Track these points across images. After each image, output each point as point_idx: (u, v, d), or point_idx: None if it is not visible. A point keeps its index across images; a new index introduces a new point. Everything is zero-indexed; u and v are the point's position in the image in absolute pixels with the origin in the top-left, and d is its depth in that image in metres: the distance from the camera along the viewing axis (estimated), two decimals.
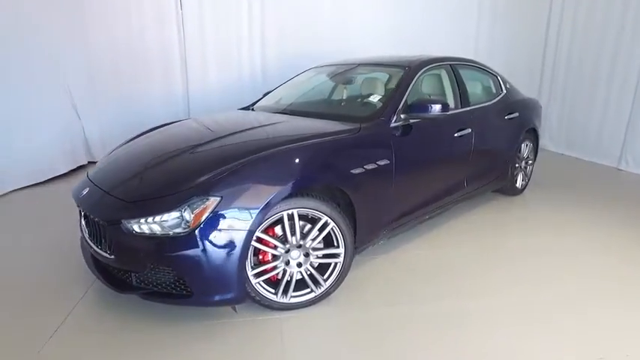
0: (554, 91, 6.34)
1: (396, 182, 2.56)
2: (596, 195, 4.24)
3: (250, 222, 1.92)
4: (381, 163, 2.46)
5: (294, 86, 3.69)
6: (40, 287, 2.46)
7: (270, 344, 1.98)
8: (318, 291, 2.24)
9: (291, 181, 2.04)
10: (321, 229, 2.18)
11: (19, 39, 4.34)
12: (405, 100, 2.75)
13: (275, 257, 2.13)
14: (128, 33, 5.37)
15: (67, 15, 4.94)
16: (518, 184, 4.14)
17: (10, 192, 4.21)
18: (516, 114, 3.86)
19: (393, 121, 2.63)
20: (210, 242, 1.86)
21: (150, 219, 1.86)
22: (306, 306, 2.25)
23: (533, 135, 4.25)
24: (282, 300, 2.17)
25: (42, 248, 2.95)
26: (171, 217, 1.85)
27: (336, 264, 2.27)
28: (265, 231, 2.07)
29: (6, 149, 4.26)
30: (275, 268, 2.13)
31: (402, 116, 2.67)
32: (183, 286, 1.93)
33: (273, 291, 2.16)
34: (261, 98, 3.74)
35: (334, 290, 2.33)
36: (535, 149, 4.33)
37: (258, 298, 2.12)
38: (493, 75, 3.95)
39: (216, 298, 1.95)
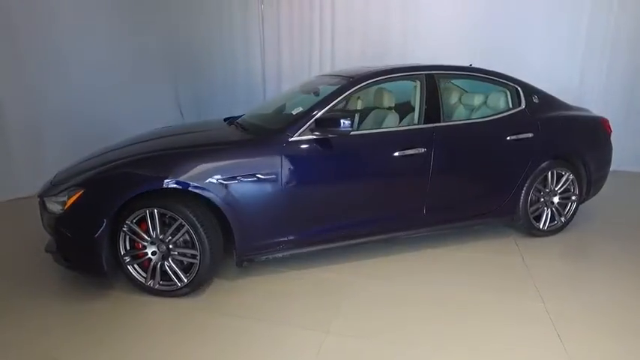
0: None
1: (287, 197, 2.53)
2: None
3: (109, 211, 2.31)
4: (265, 176, 2.48)
5: (276, 98, 3.84)
6: None
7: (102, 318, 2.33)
8: (180, 284, 2.46)
9: (147, 182, 2.34)
10: (177, 230, 2.40)
11: (134, 41, 5.67)
12: (318, 115, 2.63)
13: (144, 246, 2.46)
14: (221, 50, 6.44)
15: (178, 18, 6.20)
16: (542, 223, 3.27)
17: None
18: (529, 134, 3.08)
19: (297, 134, 2.58)
20: (75, 223, 2.35)
21: (51, 198, 2.44)
22: (175, 296, 2.50)
23: (574, 163, 3.30)
24: (150, 284, 2.48)
25: None
26: (58, 200, 2.40)
27: (194, 264, 2.44)
28: (139, 223, 2.43)
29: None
30: (145, 255, 2.47)
31: (312, 131, 2.59)
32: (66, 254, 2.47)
33: (145, 275, 2.50)
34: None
35: (198, 287, 2.51)
36: (580, 181, 3.32)
37: (131, 278, 2.49)
38: (511, 86, 3.23)
39: (84, 268, 2.43)
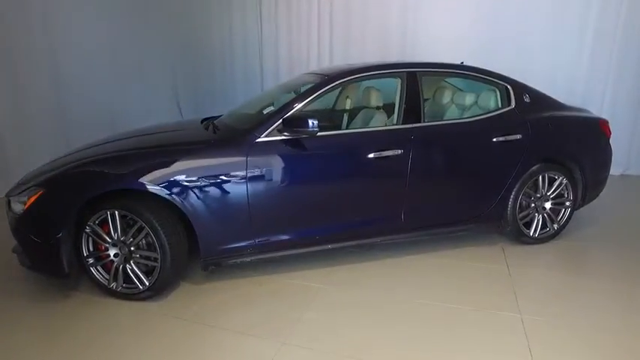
0: None
1: (253, 200, 2.44)
2: None
3: (69, 213, 2.27)
4: (229, 178, 2.40)
5: (256, 97, 3.73)
6: None
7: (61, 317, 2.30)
8: (142, 287, 2.41)
9: (106, 183, 2.30)
10: (139, 232, 2.34)
11: (137, 47, 5.72)
12: (286, 115, 2.52)
13: (107, 248, 2.41)
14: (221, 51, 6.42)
15: (178, 16, 6.21)
16: (532, 230, 3.09)
17: None
18: (517, 136, 2.90)
19: (264, 135, 2.49)
20: (35, 224, 2.32)
21: (14, 198, 2.42)
22: (137, 299, 2.45)
23: (568, 167, 3.10)
24: (113, 287, 2.44)
25: None
26: (20, 200, 2.38)
27: (156, 267, 2.38)
28: (102, 224, 2.38)
29: None
30: (108, 257, 2.42)
31: (280, 131, 2.49)
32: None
33: (108, 278, 2.45)
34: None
35: (160, 291, 2.45)
36: (575, 186, 3.12)
37: (94, 280, 2.45)
38: (500, 85, 3.06)
39: (45, 270, 2.40)
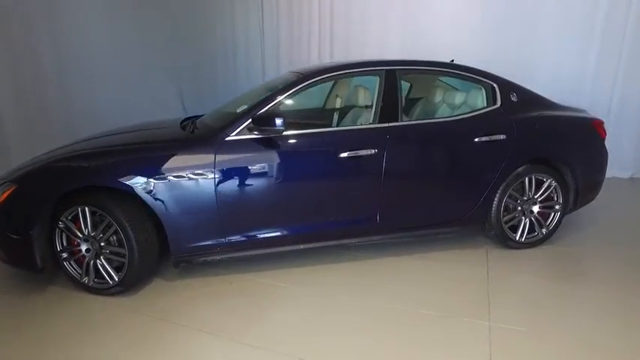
0: None
1: (222, 198, 2.44)
2: None
3: (42, 208, 2.33)
4: (197, 176, 2.40)
5: (239, 96, 3.71)
6: None
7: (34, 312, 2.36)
8: (111, 283, 2.45)
9: (77, 179, 2.34)
10: (108, 228, 2.37)
11: (140, 44, 5.84)
12: (256, 113, 2.51)
13: (79, 244, 2.46)
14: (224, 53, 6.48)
15: (181, 23, 6.33)
16: (518, 234, 2.97)
17: None
18: (500, 136, 2.79)
19: (234, 133, 2.49)
20: (8, 219, 2.38)
21: None
22: (108, 294, 2.48)
23: (558, 169, 2.96)
24: (85, 281, 2.48)
25: None
26: None
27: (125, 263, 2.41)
28: (75, 220, 2.43)
29: None
30: (80, 252, 2.47)
31: (250, 130, 2.48)
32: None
33: (80, 272, 2.50)
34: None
35: (131, 287, 2.48)
36: (565, 189, 2.97)
37: (67, 274, 2.50)
38: (486, 83, 2.94)
39: (20, 264, 2.47)
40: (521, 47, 4.83)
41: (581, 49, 4.65)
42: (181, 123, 3.00)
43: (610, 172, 4.65)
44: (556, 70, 4.73)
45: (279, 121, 2.38)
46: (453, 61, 3.24)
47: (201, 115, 3.25)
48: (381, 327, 2.20)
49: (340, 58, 5.84)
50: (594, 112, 3.83)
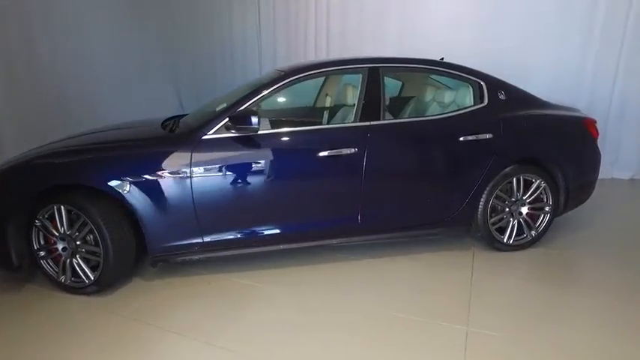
0: None
1: (198, 197, 2.41)
2: None
3: (17, 206, 2.33)
4: (173, 175, 2.38)
5: (224, 95, 3.67)
6: None
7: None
8: (87, 282, 2.43)
9: (50, 178, 2.33)
10: (84, 227, 2.36)
11: (138, 44, 5.88)
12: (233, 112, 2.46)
13: (56, 242, 2.45)
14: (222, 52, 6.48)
15: (180, 32, 6.36)
16: (506, 236, 2.89)
17: None
18: (487, 135, 2.72)
19: (211, 132, 2.45)
20: None
21: None
22: (84, 294, 2.47)
23: (548, 169, 2.87)
24: (61, 280, 2.47)
25: None
26: None
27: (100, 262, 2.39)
28: (52, 218, 2.42)
29: None
30: (57, 251, 2.46)
31: (227, 129, 2.44)
32: None
33: (57, 271, 2.48)
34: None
35: (107, 286, 2.46)
36: (555, 190, 2.88)
37: (44, 272, 2.49)
38: (473, 81, 2.87)
39: None
40: (520, 45, 4.72)
41: (580, 47, 4.52)
42: (163, 122, 2.97)
43: (610, 173, 4.58)
44: (554, 69, 4.61)
45: (254, 120, 2.34)
46: (442, 59, 3.17)
47: (182, 115, 3.23)
48: (354, 330, 2.15)
49: (337, 55, 5.80)
50: (593, 112, 3.75)
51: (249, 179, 2.50)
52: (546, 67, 4.62)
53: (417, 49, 5.08)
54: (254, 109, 2.52)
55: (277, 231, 2.60)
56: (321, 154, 2.52)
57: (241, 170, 2.48)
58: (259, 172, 2.50)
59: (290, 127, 2.78)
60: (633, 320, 2.21)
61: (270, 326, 2.19)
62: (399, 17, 5.31)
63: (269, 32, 6.12)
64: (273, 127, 2.70)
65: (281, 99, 3.60)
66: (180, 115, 3.22)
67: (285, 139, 2.57)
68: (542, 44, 4.65)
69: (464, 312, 2.28)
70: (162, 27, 6.18)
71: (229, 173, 2.46)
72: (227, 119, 2.44)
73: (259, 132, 2.45)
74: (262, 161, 2.49)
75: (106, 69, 5.49)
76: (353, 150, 2.55)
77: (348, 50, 5.66)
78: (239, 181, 2.49)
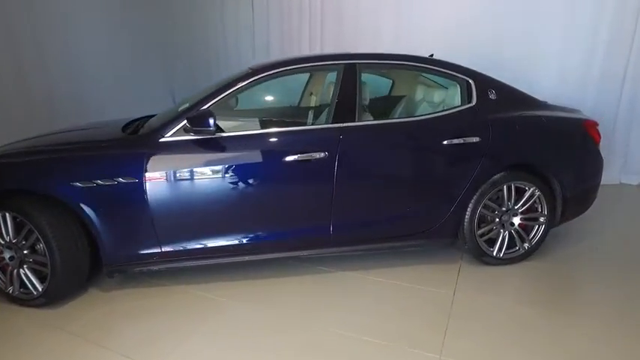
0: None
1: (153, 205, 2.22)
2: None
3: None
4: (127, 180, 2.19)
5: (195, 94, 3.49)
6: None
7: None
8: (35, 294, 2.27)
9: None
10: (30, 235, 2.19)
11: (131, 41, 5.75)
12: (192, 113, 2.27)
13: (2, 251, 2.29)
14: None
15: (174, 30, 6.22)
16: (496, 249, 2.64)
17: None
18: (474, 139, 2.47)
19: (169, 134, 2.27)
20: None
21: None
22: (33, 306, 2.31)
23: (543, 176, 2.60)
24: (9, 291, 2.31)
25: None
26: None
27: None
28: None
29: None
30: (4, 260, 2.30)
31: (186, 131, 2.25)
32: None
33: (5, 281, 2.33)
34: None
35: (56, 298, 2.30)
36: (551, 199, 2.62)
37: None
38: (460, 79, 2.62)
39: None
40: (523, 44, 4.40)
41: (587, 47, 4.18)
42: (129, 123, 2.78)
43: (618, 178, 4.26)
44: (560, 70, 4.29)
45: (211, 121, 2.14)
46: (432, 55, 2.93)
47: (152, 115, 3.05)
48: (313, 355, 1.94)
49: (331, 51, 5.58)
50: (600, 115, 3.44)
51: (210, 186, 2.31)
52: (551, 68, 4.31)
53: (415, 47, 4.85)
54: (229, 107, 2.36)
55: (241, 241, 2.40)
56: (288, 158, 2.31)
57: (200, 176, 2.28)
58: (220, 179, 2.29)
59: (267, 128, 2.58)
60: (622, 350, 1.95)
61: (225, 346, 2.00)
62: (395, 14, 5.04)
63: (262, 29, 5.91)
64: (249, 129, 2.51)
65: (264, 98, 3.41)
66: (150, 116, 3.05)
67: (248, 142, 2.36)
68: (547, 45, 4.33)
69: (439, 337, 2.05)
70: (155, 25, 6.05)
71: (187, 179, 2.27)
72: (185, 121, 2.26)
73: (221, 134, 2.27)
74: (222, 166, 2.28)
75: (99, 68, 5.38)
76: (323, 154, 2.32)
77: (343, 49, 5.41)
78: (198, 187, 2.30)
